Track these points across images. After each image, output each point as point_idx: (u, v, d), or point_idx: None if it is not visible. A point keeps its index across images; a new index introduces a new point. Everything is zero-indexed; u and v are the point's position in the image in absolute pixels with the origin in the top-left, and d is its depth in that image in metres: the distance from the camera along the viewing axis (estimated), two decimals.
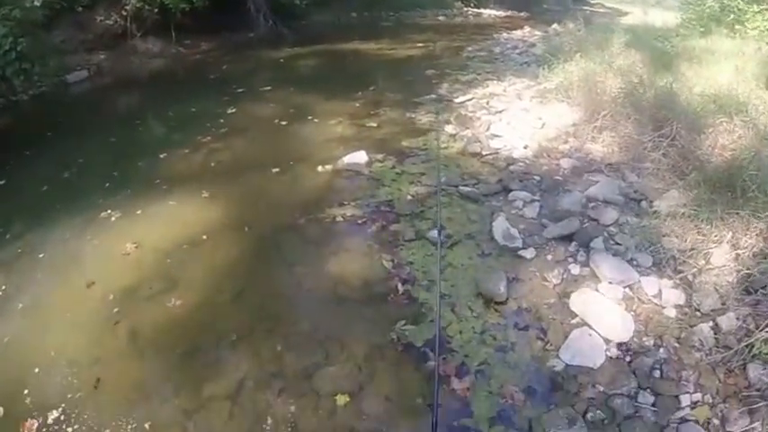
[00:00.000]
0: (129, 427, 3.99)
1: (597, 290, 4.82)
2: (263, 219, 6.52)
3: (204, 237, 6.10)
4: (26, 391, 4.27)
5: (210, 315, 5.01)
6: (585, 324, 4.56)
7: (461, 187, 6.77)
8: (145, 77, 12.84)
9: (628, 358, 4.27)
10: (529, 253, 5.45)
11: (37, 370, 4.46)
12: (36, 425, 3.99)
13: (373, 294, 5.16)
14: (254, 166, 7.87)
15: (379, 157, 7.82)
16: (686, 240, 5.10)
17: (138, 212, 6.68)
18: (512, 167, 7.18)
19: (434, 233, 5.70)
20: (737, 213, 5.00)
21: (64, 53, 12.41)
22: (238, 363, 4.48)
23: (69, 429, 4.00)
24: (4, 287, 5.41)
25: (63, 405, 4.16)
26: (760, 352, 3.93)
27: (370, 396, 4.14)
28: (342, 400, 4.10)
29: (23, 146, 8.63)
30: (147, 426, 3.99)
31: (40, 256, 5.90)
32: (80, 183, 7.64)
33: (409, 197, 6.70)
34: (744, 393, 3.81)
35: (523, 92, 9.60)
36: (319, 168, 7.61)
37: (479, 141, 7.99)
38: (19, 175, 7.79)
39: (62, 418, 4.07)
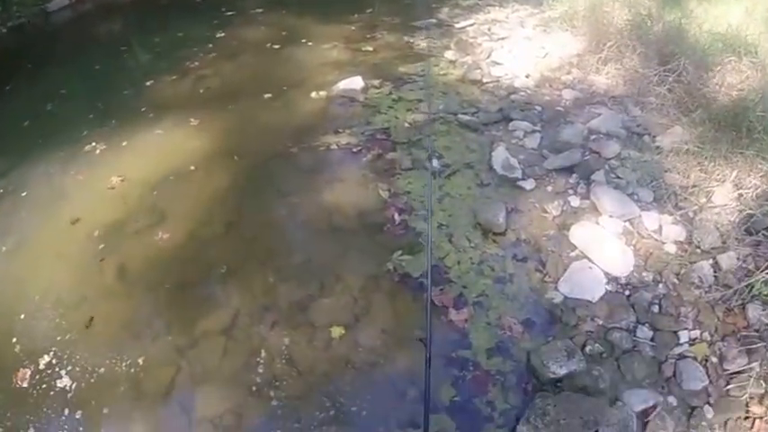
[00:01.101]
0: (123, 364, 4.01)
1: (597, 223, 4.77)
2: (254, 147, 6.35)
3: (192, 167, 5.95)
4: (14, 339, 4.28)
5: (201, 248, 4.94)
6: (585, 257, 4.52)
7: (460, 115, 6.59)
8: (129, 2, 12.29)
9: (627, 292, 4.25)
10: (528, 184, 5.35)
11: (23, 316, 4.45)
12: (29, 373, 3.99)
13: (369, 224, 5.08)
14: (244, 92, 7.61)
15: (376, 82, 7.55)
16: (688, 177, 5.03)
17: (124, 144, 6.51)
18: (513, 96, 6.98)
19: (433, 162, 5.62)
20: (742, 153, 4.90)
21: None
22: (231, 297, 4.45)
23: (63, 372, 4.01)
24: None
25: (54, 348, 4.16)
26: (760, 293, 3.90)
27: (366, 328, 4.13)
28: (337, 332, 4.10)
29: (3, 80, 8.28)
30: (140, 363, 4.01)
31: (24, 194, 5.80)
32: (63, 115, 7.43)
33: (406, 125, 6.51)
34: (742, 333, 3.81)
35: (526, 19, 9.27)
36: (313, 94, 7.37)
37: (480, 69, 7.75)
38: None
39: (54, 362, 4.08)
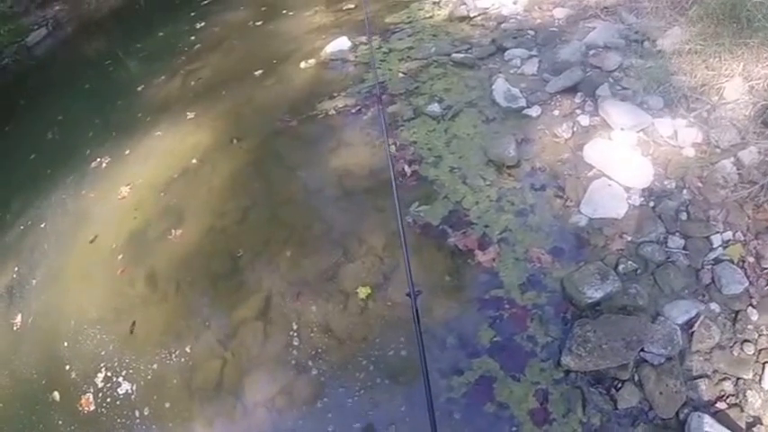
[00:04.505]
0: (172, 366, 4.11)
1: (610, 138, 4.66)
2: (253, 128, 6.28)
3: (195, 161, 5.91)
4: (67, 367, 4.34)
5: (221, 239, 4.94)
6: (603, 174, 4.43)
7: (454, 54, 6.43)
8: (106, 16, 11.91)
9: (652, 204, 4.17)
10: (534, 111, 5.24)
11: (66, 343, 4.53)
12: (91, 397, 4.08)
13: (381, 182, 4.96)
14: (235, 76, 7.50)
15: (363, 39, 7.31)
16: (696, 77, 4.87)
17: (127, 152, 6.48)
18: (503, 26, 6.81)
19: (434, 107, 5.53)
20: (746, 44, 4.71)
21: (15, 18, 11.54)
22: (260, 280, 4.45)
23: (120, 379, 4.11)
24: (17, 269, 5.41)
25: (104, 364, 4.26)
26: None
27: (395, 285, 4.10)
28: (363, 292, 4.10)
29: (1, 122, 8.23)
30: (187, 362, 4.10)
31: (42, 225, 5.83)
32: (65, 140, 7.39)
33: (401, 75, 6.38)
34: None
35: None
36: (302, 64, 7.22)
37: (465, 4, 7.52)
38: (3, 151, 7.51)
39: (109, 374, 4.17)
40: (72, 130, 7.52)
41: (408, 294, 2.70)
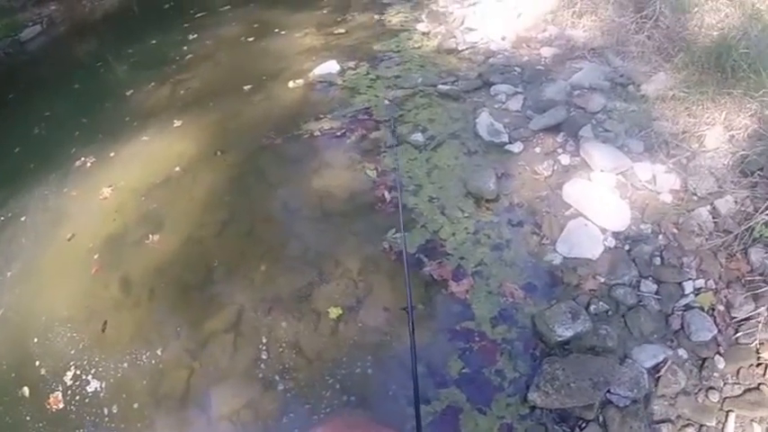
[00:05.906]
0: (139, 373, 4.04)
1: (590, 179, 4.70)
2: (238, 142, 6.26)
3: (178, 168, 5.89)
4: (38, 363, 4.27)
5: (198, 249, 4.89)
6: (581, 215, 4.46)
7: (440, 86, 6.48)
8: (100, 20, 12.01)
9: (627, 247, 4.20)
10: (516, 147, 5.28)
11: (36, 339, 4.46)
12: (60, 395, 4.00)
13: (360, 205, 5.02)
14: (224, 89, 7.50)
15: (352, 64, 7.45)
16: (678, 123, 4.94)
17: (112, 155, 6.44)
18: (491, 61, 6.89)
19: (417, 136, 5.56)
20: (729, 94, 4.80)
21: (12, 12, 11.57)
22: (234, 294, 4.42)
23: (89, 377, 4.06)
24: None
25: (73, 362, 4.19)
26: (761, 235, 3.84)
27: (368, 308, 4.10)
28: (335, 312, 4.09)
29: None
30: (155, 370, 4.03)
31: (23, 219, 5.77)
32: (51, 137, 7.35)
33: (387, 102, 6.42)
34: (747, 278, 3.77)
35: None
36: (290, 84, 7.25)
37: (454, 37, 7.66)
38: None
39: (78, 372, 4.11)
40: (59, 128, 7.48)
41: (404, 308, 2.71)
